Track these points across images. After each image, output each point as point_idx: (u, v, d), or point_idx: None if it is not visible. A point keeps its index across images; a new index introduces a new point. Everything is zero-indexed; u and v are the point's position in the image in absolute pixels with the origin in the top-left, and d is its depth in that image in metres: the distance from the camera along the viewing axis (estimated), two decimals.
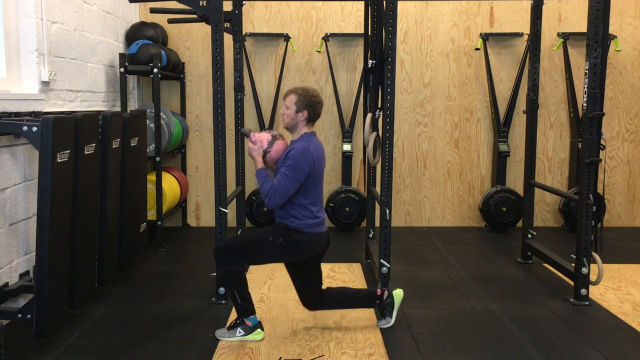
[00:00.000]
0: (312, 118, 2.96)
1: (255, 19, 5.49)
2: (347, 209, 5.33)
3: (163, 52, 4.84)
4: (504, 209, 5.37)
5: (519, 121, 5.49)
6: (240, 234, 2.97)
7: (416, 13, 5.52)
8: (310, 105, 2.93)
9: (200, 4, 3.41)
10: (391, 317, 3.17)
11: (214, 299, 3.57)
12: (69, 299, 3.16)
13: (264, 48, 5.53)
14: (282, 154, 2.94)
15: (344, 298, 3.16)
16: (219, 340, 3.00)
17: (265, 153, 2.97)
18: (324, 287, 3.15)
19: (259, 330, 3.01)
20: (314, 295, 3.10)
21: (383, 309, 3.18)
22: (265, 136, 3.00)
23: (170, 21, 4.36)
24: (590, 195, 3.44)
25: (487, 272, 4.22)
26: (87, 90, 4.27)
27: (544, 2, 4.25)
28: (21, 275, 3.33)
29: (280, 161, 2.93)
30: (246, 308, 2.99)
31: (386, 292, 3.18)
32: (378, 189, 4.01)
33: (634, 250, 4.84)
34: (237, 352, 2.87)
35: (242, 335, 2.98)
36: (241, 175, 4.56)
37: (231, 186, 4.03)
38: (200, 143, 5.62)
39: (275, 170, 2.99)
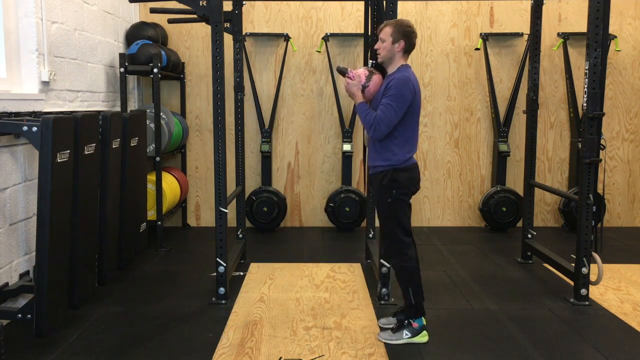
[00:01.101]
0: (408, 49, 2.97)
1: (255, 19, 5.49)
2: (347, 209, 5.33)
3: (163, 52, 4.84)
4: (504, 209, 5.37)
5: (519, 121, 5.49)
6: (380, 224, 3.01)
7: (416, 13, 5.52)
8: (406, 35, 2.93)
9: (200, 4, 3.41)
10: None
11: (214, 299, 3.57)
12: (69, 299, 3.16)
13: (264, 48, 5.53)
14: (380, 88, 2.96)
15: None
16: (218, 341, 3.01)
17: (363, 88, 2.99)
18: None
19: (425, 332, 2.99)
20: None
21: (403, 322, 3.02)
22: (362, 71, 3.03)
23: (170, 21, 4.36)
24: (590, 195, 3.44)
25: (487, 272, 4.22)
26: (87, 90, 4.27)
27: (544, 2, 4.25)
28: (21, 275, 3.33)
29: (380, 94, 2.94)
30: (418, 309, 2.99)
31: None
32: None
33: (634, 250, 4.84)
34: (237, 352, 2.87)
35: (409, 338, 2.96)
36: (241, 175, 4.56)
37: (231, 186, 4.03)
38: (200, 143, 5.62)
39: (372, 105, 3.01)
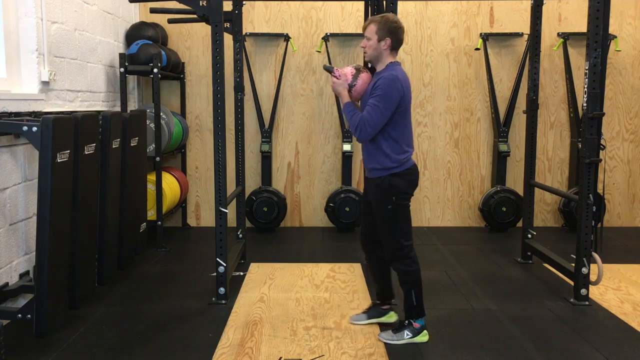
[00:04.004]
0: (396, 45, 2.87)
1: (255, 19, 5.49)
2: (347, 209, 5.33)
3: (163, 52, 4.84)
4: (504, 209, 5.37)
5: (519, 121, 5.49)
6: (380, 230, 2.92)
7: (416, 13, 5.52)
8: (392, 31, 2.83)
9: (200, 4, 3.41)
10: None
11: (214, 299, 3.57)
12: (69, 299, 3.16)
13: (264, 48, 5.53)
14: (368, 87, 2.87)
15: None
16: (218, 341, 3.01)
17: (350, 87, 2.89)
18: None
19: (425, 332, 2.98)
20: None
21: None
22: (349, 70, 2.92)
23: (170, 21, 4.36)
24: (590, 195, 3.44)
25: (487, 272, 4.22)
26: (87, 90, 4.27)
27: (544, 2, 4.25)
28: (21, 275, 3.33)
29: (367, 93, 2.84)
30: (419, 310, 2.98)
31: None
32: None
33: (634, 250, 4.84)
34: (237, 352, 2.87)
35: (410, 338, 2.95)
36: (241, 175, 4.56)
37: (231, 186, 4.03)
38: (200, 143, 5.62)
39: (361, 103, 2.90)
